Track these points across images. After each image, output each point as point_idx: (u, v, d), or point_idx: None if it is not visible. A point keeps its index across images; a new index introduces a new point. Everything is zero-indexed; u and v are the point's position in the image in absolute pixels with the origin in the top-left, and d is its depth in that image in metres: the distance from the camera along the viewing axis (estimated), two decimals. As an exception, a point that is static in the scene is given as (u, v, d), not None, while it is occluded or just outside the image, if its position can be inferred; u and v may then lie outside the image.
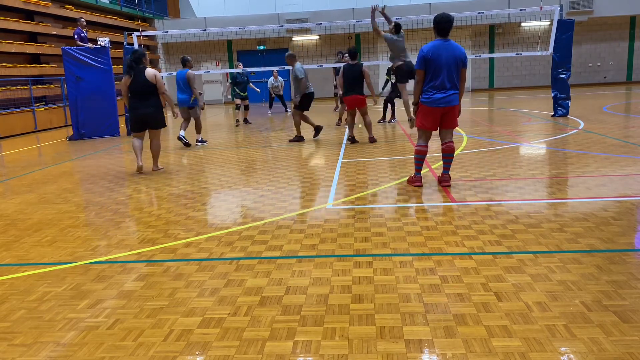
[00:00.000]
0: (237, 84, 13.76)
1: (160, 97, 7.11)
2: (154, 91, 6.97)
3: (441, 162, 5.71)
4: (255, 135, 11.35)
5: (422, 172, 6.36)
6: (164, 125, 7.25)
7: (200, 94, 10.35)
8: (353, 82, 8.83)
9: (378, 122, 12.20)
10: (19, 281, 3.53)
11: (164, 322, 2.82)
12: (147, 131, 7.25)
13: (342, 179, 6.25)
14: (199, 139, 10.15)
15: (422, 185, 5.62)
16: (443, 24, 5.28)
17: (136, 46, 12.12)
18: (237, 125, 13.60)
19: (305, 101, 9.62)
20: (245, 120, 14.14)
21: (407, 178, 5.97)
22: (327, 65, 15.75)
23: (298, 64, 9.57)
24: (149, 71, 6.91)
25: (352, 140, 9.06)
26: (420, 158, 5.63)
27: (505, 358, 2.32)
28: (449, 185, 5.57)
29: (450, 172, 5.79)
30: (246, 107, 14.05)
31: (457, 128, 10.32)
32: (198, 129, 10.15)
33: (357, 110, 9.16)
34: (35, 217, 5.20)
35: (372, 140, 9.10)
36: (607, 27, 22.87)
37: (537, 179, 5.81)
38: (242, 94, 13.88)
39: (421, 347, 2.44)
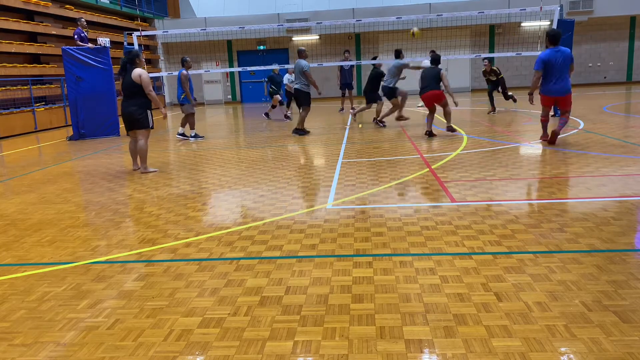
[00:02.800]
0: (275, 83, 14.41)
1: (149, 98, 7.15)
2: (139, 91, 7.05)
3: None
4: (255, 135, 11.35)
5: (422, 172, 6.37)
6: (147, 126, 7.16)
7: (195, 99, 10.94)
8: (431, 81, 9.58)
9: (488, 113, 13.07)
10: (19, 281, 3.53)
11: (164, 322, 2.82)
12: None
13: (342, 179, 6.25)
14: (192, 134, 11.01)
15: (547, 138, 7.90)
16: (558, 36, 7.68)
17: (136, 46, 12.12)
18: (288, 119, 14.29)
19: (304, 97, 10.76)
20: (286, 116, 14.51)
21: (405, 178, 5.98)
22: (327, 64, 15.71)
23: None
24: (135, 71, 7.02)
25: (429, 134, 9.44)
26: (546, 124, 8.21)
27: (505, 358, 2.32)
28: (555, 141, 7.80)
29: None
30: (281, 103, 14.66)
31: (457, 128, 10.34)
32: (189, 125, 10.93)
33: (436, 105, 9.73)
34: (35, 217, 5.20)
35: (450, 129, 9.81)
36: (607, 27, 22.86)
37: (537, 179, 5.81)
38: (278, 90, 14.47)
39: (421, 347, 2.44)
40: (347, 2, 23.23)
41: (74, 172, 7.85)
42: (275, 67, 14.61)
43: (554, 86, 7.65)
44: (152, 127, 7.26)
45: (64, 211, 5.40)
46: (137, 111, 7.03)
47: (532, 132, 9.62)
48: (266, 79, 14.69)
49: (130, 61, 7.06)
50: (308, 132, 10.85)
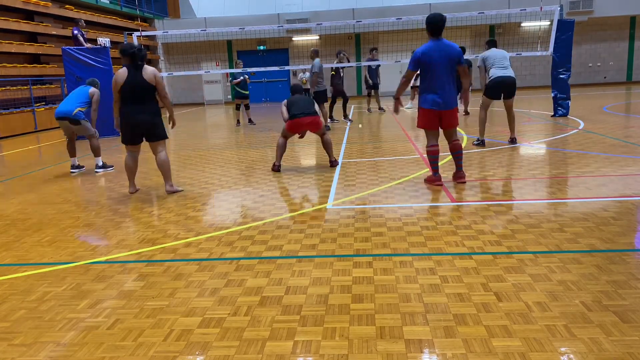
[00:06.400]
0: (239, 83, 13.43)
1: (163, 102, 6.17)
2: (153, 95, 5.84)
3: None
4: (255, 135, 11.35)
5: (422, 172, 6.38)
6: (166, 136, 5.99)
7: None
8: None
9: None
10: (19, 281, 3.53)
11: (164, 322, 2.82)
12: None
13: (342, 179, 6.25)
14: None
15: (442, 184, 5.63)
16: (436, 23, 5.35)
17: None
18: (237, 126, 13.57)
19: (319, 96, 11.11)
20: (250, 120, 13.74)
21: (405, 178, 5.97)
22: (327, 65, 15.64)
23: (317, 60, 11.10)
24: (149, 70, 5.78)
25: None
26: (433, 158, 5.62)
27: (505, 358, 2.31)
28: (464, 182, 5.68)
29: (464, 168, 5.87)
30: (247, 107, 13.77)
31: (457, 128, 10.33)
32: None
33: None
34: (35, 217, 5.20)
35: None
36: (607, 27, 22.87)
37: (537, 179, 5.81)
38: (243, 92, 13.53)
39: (421, 347, 2.44)
40: (347, 2, 23.23)
41: (74, 172, 7.85)
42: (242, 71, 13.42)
43: (436, 96, 5.40)
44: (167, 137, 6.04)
45: (64, 211, 5.40)
46: (155, 119, 5.76)
47: (532, 132, 9.63)
48: (242, 78, 13.48)
49: (142, 58, 5.75)
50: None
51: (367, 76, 14.94)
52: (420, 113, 5.56)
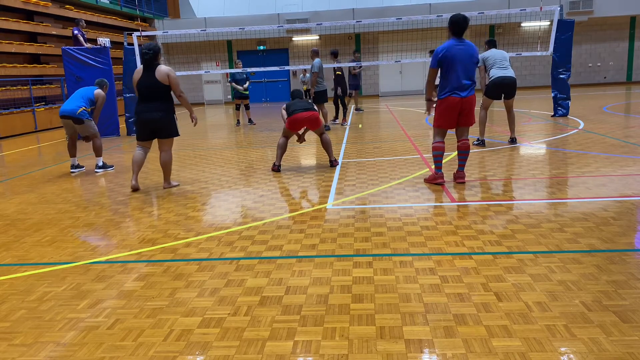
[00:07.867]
0: (237, 82, 13.52)
1: (180, 100, 6.16)
2: (165, 93, 6.06)
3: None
4: (255, 135, 11.35)
5: (422, 172, 6.38)
6: (176, 134, 6.20)
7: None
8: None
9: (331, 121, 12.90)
10: (19, 281, 3.53)
11: (164, 322, 2.82)
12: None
13: (342, 179, 6.25)
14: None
15: (444, 182, 5.69)
16: (460, 24, 5.41)
17: (136, 47, 12.09)
18: (237, 125, 13.60)
19: (318, 96, 11.17)
20: (250, 120, 13.75)
21: (405, 178, 5.97)
22: (327, 66, 15.61)
23: (317, 60, 11.12)
24: (162, 69, 5.98)
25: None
26: (438, 154, 5.67)
27: (505, 358, 2.31)
28: (464, 182, 5.73)
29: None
30: (247, 107, 13.79)
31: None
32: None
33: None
34: (35, 217, 5.20)
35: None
36: (607, 27, 22.87)
37: (537, 179, 5.81)
38: (243, 92, 13.58)
39: (421, 347, 2.44)
40: (347, 2, 23.25)
41: (74, 172, 7.85)
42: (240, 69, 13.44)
43: (456, 91, 5.44)
44: (178, 135, 6.21)
45: (64, 211, 5.40)
46: (166, 117, 5.96)
47: (532, 132, 9.63)
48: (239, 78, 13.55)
49: (155, 56, 5.89)
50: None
51: (358, 76, 15.07)
52: (439, 107, 5.56)
